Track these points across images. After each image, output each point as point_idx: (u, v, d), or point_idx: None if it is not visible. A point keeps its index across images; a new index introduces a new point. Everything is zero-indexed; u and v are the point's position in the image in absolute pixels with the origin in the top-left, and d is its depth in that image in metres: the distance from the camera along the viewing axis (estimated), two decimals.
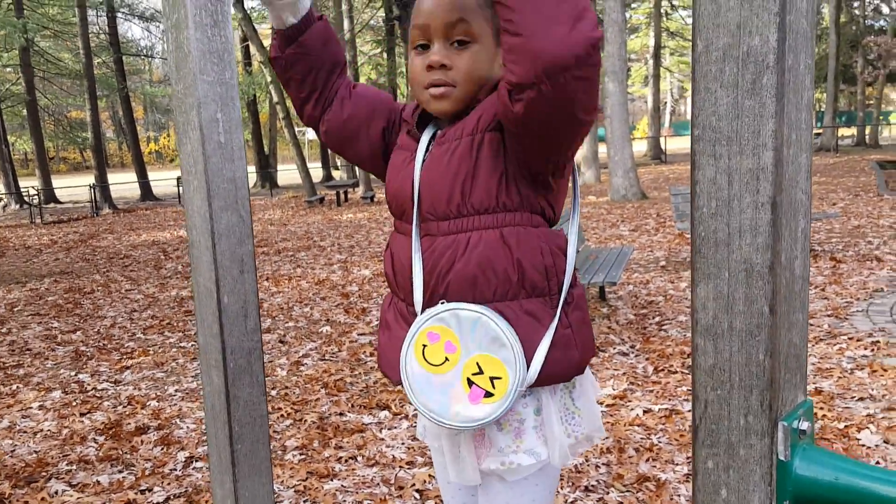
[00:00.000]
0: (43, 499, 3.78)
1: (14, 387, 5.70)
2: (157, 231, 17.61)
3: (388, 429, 4.30)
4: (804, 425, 0.77)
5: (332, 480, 3.71)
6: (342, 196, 21.97)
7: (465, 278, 1.35)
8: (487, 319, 1.32)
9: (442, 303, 1.35)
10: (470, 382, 1.33)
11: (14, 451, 4.42)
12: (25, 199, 27.12)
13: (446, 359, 1.33)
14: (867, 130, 35.99)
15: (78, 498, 3.76)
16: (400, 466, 3.79)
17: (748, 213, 0.74)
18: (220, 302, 1.42)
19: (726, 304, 0.76)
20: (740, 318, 0.76)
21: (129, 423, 4.73)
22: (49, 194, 28.40)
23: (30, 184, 30.51)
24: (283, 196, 26.93)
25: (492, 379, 1.29)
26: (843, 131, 41.10)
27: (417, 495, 3.47)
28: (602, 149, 22.56)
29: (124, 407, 5.09)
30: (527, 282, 1.37)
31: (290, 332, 6.77)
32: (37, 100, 29.03)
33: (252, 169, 35.40)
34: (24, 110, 29.83)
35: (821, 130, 33.55)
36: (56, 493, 3.84)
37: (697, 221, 0.78)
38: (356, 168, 25.55)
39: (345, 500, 3.49)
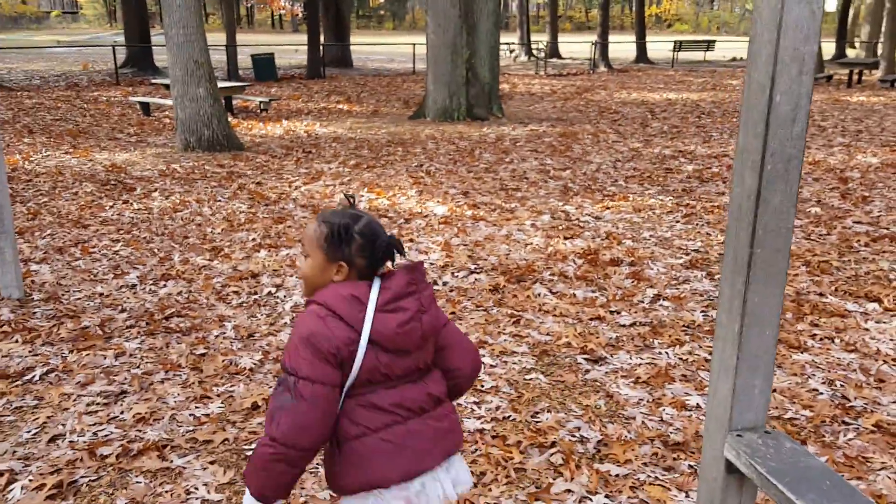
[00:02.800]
0: (528, 296, 4.31)
1: (513, 205, 6.49)
2: (646, 92, 17.85)
3: (876, 322, 3.88)
4: None
5: (801, 353, 3.52)
6: (855, 76, 19.48)
7: None
8: None
9: None
10: None
11: (509, 255, 5.09)
12: (533, 51, 29.57)
13: None
14: None
15: (556, 303, 4.19)
16: (885, 361, 3.42)
17: None
18: (772, 100, 1.35)
19: None
20: None
21: (605, 254, 5.05)
22: (553, 49, 30.50)
23: (539, 38, 33.11)
24: None
25: None
26: None
27: None
28: None
29: (602, 240, 5.44)
30: None
31: None
32: None
33: None
34: None
35: None
36: (539, 294, 4.34)
37: None
38: (878, 46, 22.27)
39: (813, 374, 3.30)
